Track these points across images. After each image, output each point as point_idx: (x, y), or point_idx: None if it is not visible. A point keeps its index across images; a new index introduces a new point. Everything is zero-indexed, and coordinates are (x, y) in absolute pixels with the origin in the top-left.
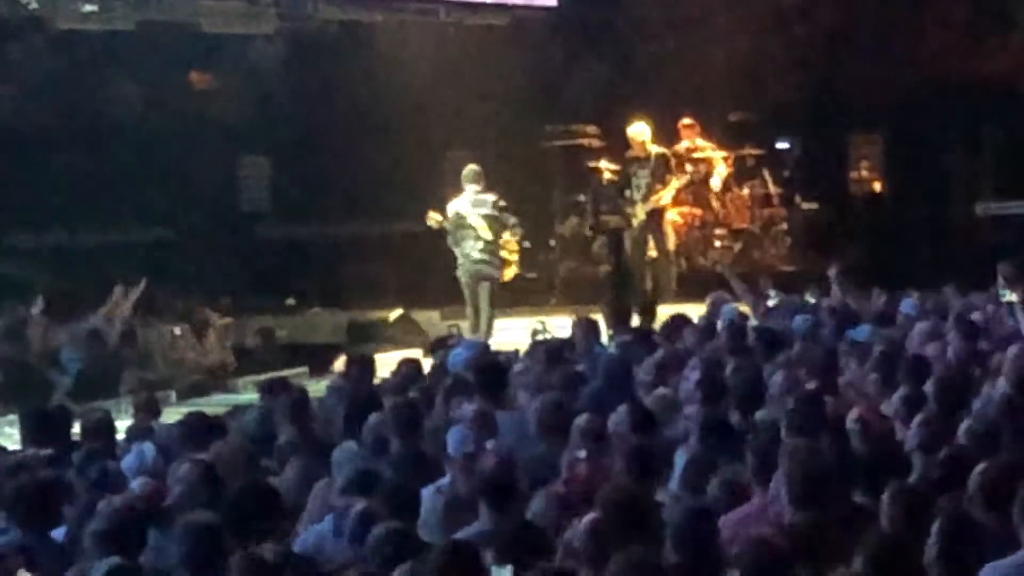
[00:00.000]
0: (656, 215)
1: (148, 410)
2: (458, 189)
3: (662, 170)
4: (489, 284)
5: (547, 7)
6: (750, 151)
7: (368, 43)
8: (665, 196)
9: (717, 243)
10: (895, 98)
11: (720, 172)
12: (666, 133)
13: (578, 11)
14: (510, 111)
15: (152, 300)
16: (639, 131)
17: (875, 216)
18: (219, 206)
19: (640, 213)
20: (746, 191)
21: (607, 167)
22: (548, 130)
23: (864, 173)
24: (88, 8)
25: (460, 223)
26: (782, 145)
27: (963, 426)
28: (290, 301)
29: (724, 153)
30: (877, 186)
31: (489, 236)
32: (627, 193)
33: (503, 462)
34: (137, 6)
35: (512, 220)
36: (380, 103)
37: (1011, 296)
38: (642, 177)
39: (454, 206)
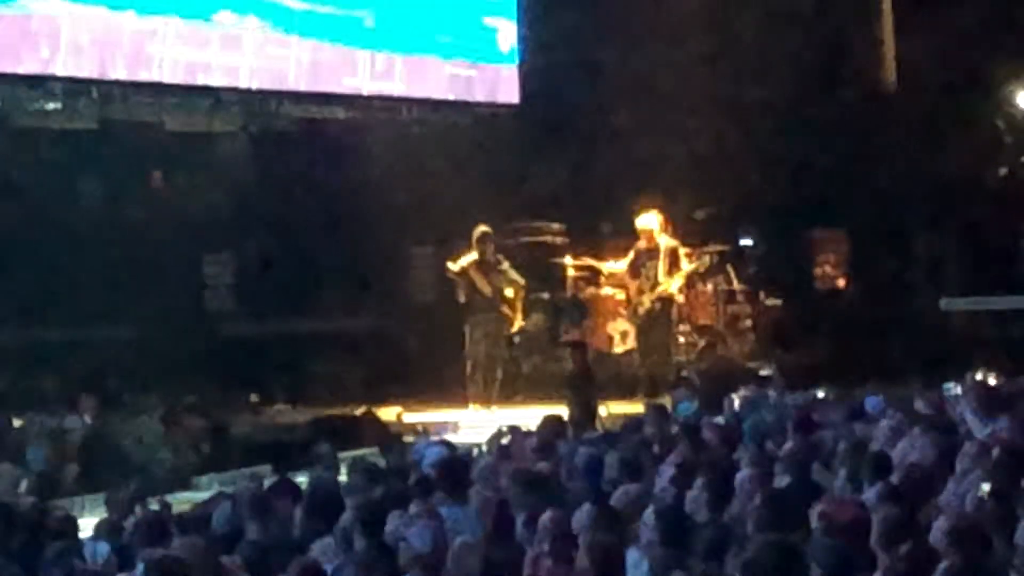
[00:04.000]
0: (665, 304)
1: (117, 508)
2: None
3: (670, 261)
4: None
5: (510, 104)
6: (714, 248)
7: (332, 141)
8: (673, 285)
9: (681, 339)
10: (858, 194)
11: (683, 268)
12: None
13: (541, 109)
14: (474, 207)
15: (118, 398)
16: (648, 222)
17: (840, 312)
18: (183, 304)
19: (646, 302)
20: (710, 287)
21: (571, 263)
22: (512, 227)
23: (828, 269)
24: (51, 106)
25: (466, 277)
26: (746, 242)
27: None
28: (254, 398)
29: (687, 250)
30: (841, 282)
31: (488, 291)
32: (636, 282)
33: (489, 559)
34: (100, 104)
35: (518, 279)
36: (344, 200)
37: (956, 390)
38: (651, 268)
39: (463, 260)
